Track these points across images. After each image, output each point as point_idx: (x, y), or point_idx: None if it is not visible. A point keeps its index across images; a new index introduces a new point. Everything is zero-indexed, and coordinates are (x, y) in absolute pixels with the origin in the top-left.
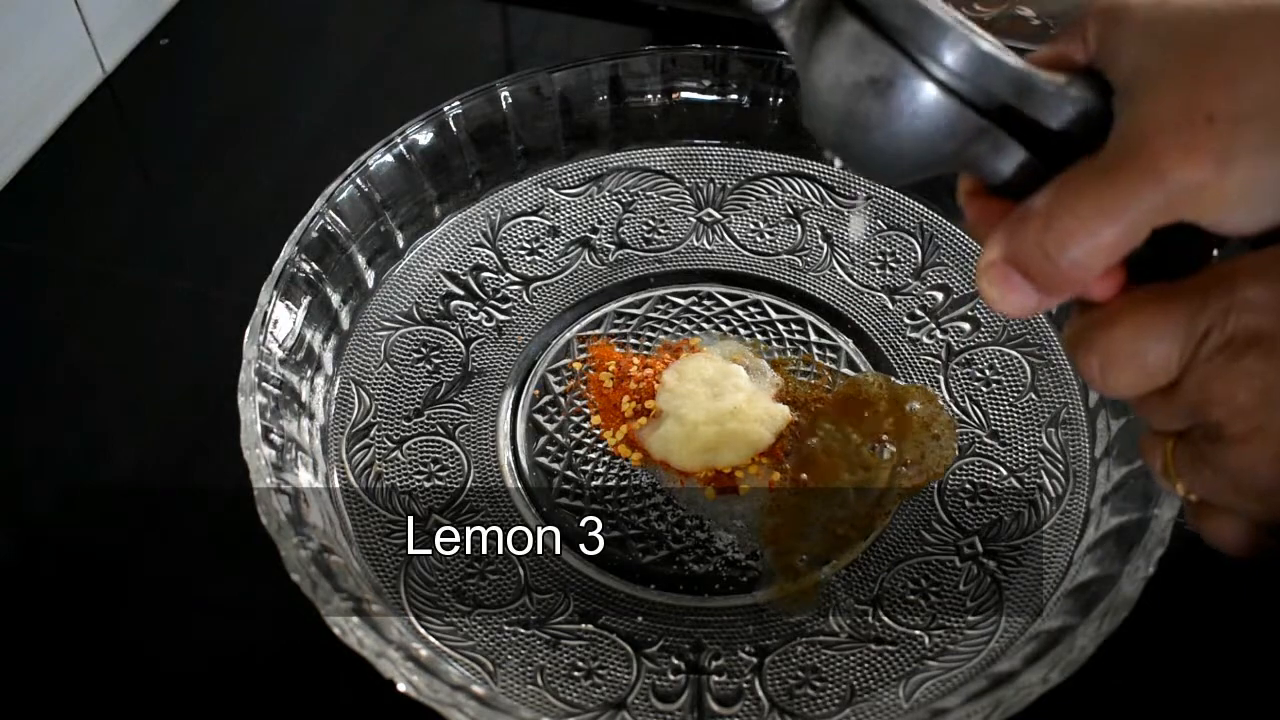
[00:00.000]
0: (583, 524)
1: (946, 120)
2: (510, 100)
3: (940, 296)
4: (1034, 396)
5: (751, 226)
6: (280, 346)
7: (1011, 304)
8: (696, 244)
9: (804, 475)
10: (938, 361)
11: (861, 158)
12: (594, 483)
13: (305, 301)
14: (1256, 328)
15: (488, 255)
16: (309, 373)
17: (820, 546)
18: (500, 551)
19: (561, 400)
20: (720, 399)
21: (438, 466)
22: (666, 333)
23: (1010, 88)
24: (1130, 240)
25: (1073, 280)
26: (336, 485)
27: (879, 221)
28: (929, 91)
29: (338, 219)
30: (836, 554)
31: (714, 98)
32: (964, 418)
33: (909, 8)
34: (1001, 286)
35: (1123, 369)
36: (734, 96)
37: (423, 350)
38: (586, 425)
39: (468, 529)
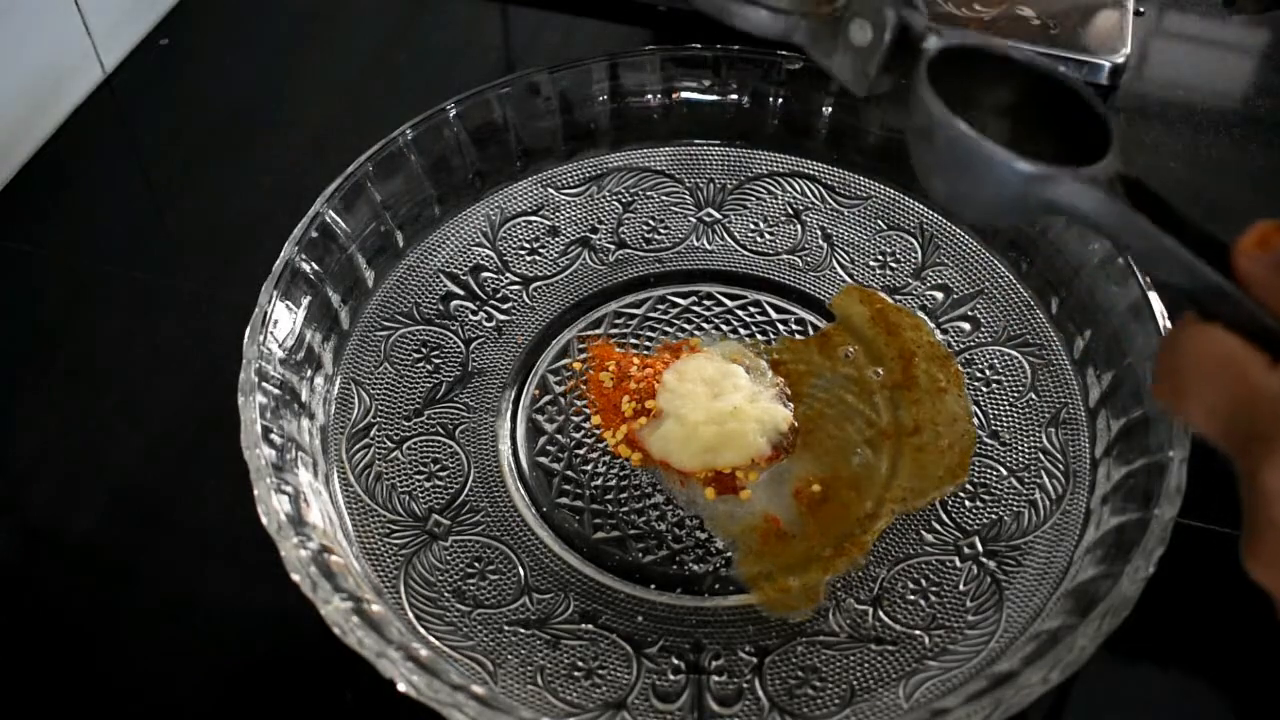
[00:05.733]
0: (583, 524)
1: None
2: (510, 100)
3: (940, 296)
4: (1034, 396)
5: (751, 226)
6: (280, 346)
7: None
8: (696, 244)
9: (814, 488)
10: None
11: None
12: (594, 483)
13: (305, 301)
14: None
15: (488, 255)
16: (309, 373)
17: (820, 548)
18: (500, 552)
19: (561, 400)
20: (720, 399)
21: (438, 466)
22: (666, 333)
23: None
24: None
25: None
26: (336, 485)
27: (879, 221)
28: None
29: (338, 219)
30: (836, 556)
31: (714, 98)
32: None
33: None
34: None
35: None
36: (734, 96)
37: (423, 350)
38: (586, 425)
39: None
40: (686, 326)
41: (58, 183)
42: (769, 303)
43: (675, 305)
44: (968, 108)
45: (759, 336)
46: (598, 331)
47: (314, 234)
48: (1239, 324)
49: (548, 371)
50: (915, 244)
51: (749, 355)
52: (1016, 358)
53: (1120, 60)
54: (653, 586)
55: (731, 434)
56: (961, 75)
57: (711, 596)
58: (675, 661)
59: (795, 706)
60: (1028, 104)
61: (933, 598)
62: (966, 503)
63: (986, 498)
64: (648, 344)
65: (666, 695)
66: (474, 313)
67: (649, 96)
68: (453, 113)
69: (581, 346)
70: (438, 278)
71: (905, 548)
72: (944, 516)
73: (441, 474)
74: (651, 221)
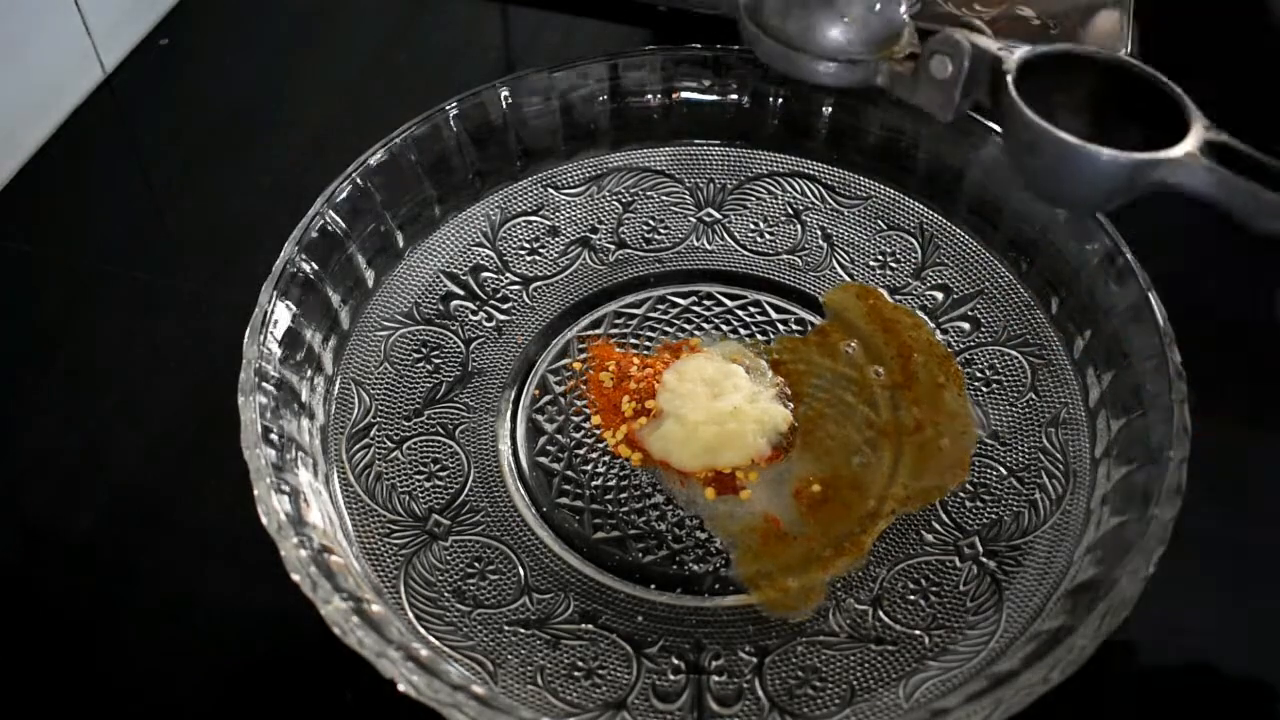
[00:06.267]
0: (583, 524)
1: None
2: (510, 100)
3: (940, 296)
4: (1034, 396)
5: (751, 226)
6: (280, 346)
7: None
8: (696, 244)
9: (815, 488)
10: None
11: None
12: (594, 483)
13: (305, 301)
14: None
15: (488, 255)
16: (309, 373)
17: (820, 548)
18: (500, 552)
19: (561, 400)
20: (720, 399)
21: (438, 466)
22: (666, 333)
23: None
24: None
25: None
26: (336, 485)
27: (879, 221)
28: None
29: (338, 219)
30: (836, 556)
31: (714, 98)
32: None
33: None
34: None
35: None
36: (734, 96)
37: (423, 350)
38: (586, 425)
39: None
40: (686, 326)
41: (58, 183)
42: (769, 303)
43: (675, 305)
44: (1051, 108)
45: (759, 336)
46: (598, 331)
47: (314, 234)
48: None
49: (548, 371)
50: (915, 244)
51: (749, 355)
52: (1016, 358)
53: None
54: (653, 586)
55: (731, 434)
56: (1037, 80)
57: (711, 596)
58: (675, 661)
59: (795, 706)
60: (1101, 92)
61: (933, 598)
62: (966, 503)
63: (986, 498)
64: (648, 344)
65: (666, 695)
66: (474, 313)
67: (649, 96)
68: (453, 113)
69: (581, 346)
70: (438, 278)
71: (905, 548)
72: (944, 516)
73: (441, 474)
74: (651, 221)
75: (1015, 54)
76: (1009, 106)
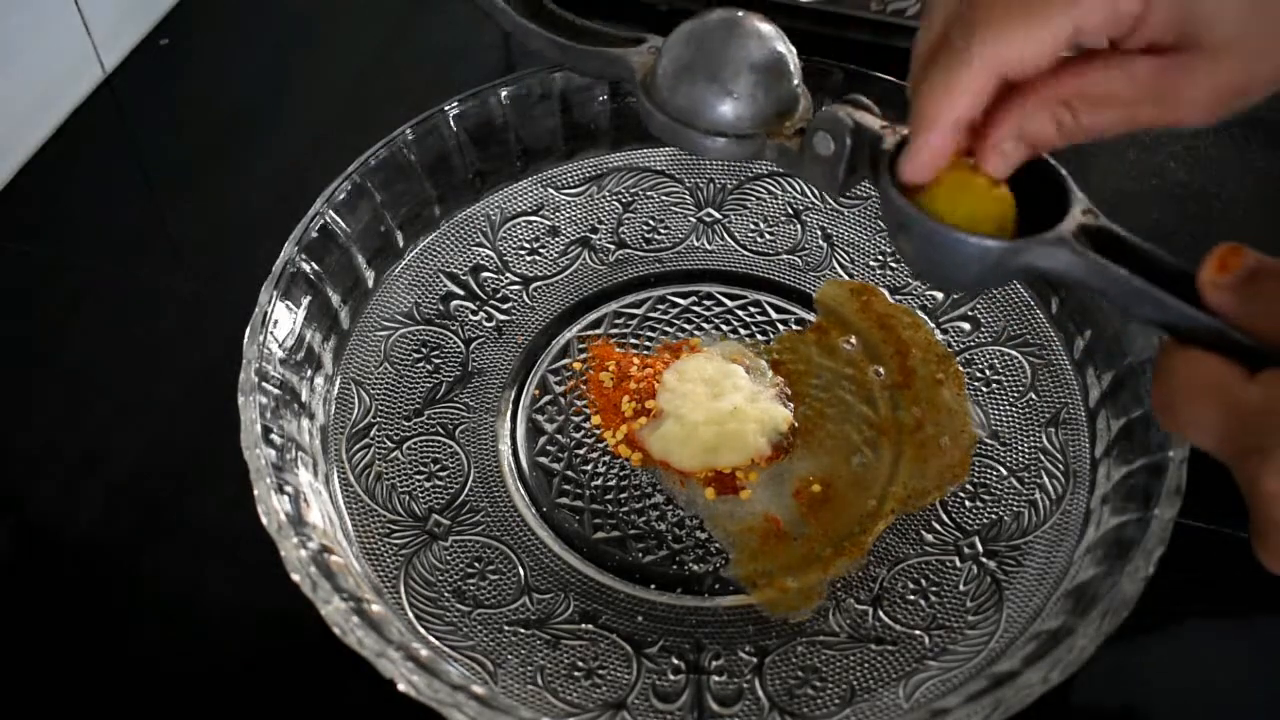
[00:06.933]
0: (583, 524)
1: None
2: (510, 100)
3: (940, 296)
4: (1034, 396)
5: (751, 226)
6: (280, 346)
7: None
8: (696, 244)
9: (815, 488)
10: None
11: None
12: (594, 483)
13: (305, 301)
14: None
15: (488, 255)
16: (309, 373)
17: (820, 548)
18: (500, 552)
19: (561, 400)
20: (720, 399)
21: (438, 466)
22: (666, 333)
23: None
24: None
25: None
26: (336, 485)
27: (879, 221)
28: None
29: (338, 219)
30: (836, 556)
31: None
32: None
33: None
34: None
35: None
36: None
37: (423, 350)
38: (586, 425)
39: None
40: (686, 326)
41: (58, 182)
42: (769, 303)
43: (675, 305)
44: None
45: (759, 336)
46: (598, 331)
47: (314, 234)
48: (1213, 343)
49: (548, 371)
50: None
51: (749, 355)
52: (1016, 358)
53: None
54: (653, 586)
55: (731, 434)
56: None
57: (711, 596)
58: (675, 661)
59: (795, 706)
60: None
61: (933, 598)
62: (966, 503)
63: (986, 498)
64: (648, 344)
65: (666, 695)
66: (474, 313)
67: None
68: (453, 113)
69: (581, 346)
70: (438, 278)
71: (905, 548)
72: (944, 516)
73: (441, 474)
74: (651, 221)
75: (897, 132)
76: (883, 189)
